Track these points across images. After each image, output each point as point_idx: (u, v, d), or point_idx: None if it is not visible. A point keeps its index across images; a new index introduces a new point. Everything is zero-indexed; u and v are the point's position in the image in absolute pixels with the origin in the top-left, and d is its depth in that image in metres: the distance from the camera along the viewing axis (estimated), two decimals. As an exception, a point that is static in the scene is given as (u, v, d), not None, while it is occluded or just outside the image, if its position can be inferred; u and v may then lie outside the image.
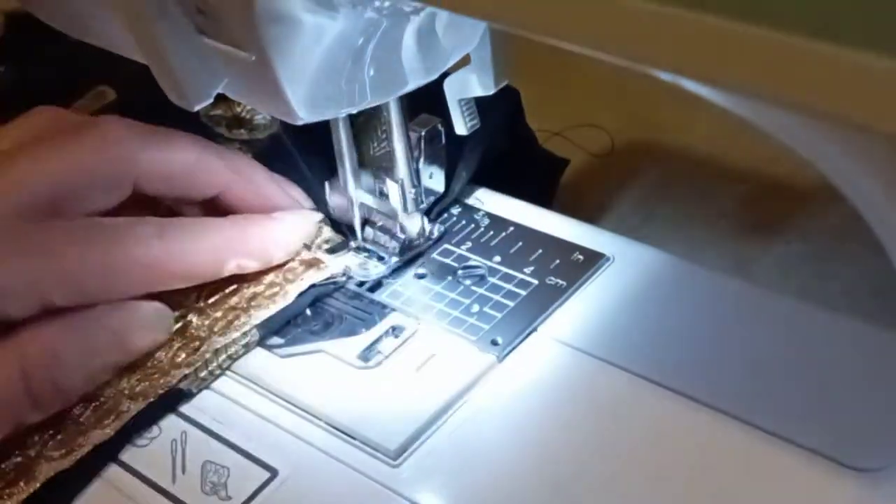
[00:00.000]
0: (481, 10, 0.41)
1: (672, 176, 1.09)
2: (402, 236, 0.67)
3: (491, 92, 0.60)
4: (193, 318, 0.64)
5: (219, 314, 0.64)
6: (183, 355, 0.61)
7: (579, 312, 0.63)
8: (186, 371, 0.61)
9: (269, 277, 0.66)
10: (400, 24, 0.53)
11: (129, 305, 0.59)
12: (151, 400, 0.59)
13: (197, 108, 0.51)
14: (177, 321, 0.64)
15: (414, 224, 0.66)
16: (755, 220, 0.99)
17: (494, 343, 0.61)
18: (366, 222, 0.68)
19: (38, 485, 0.56)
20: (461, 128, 0.63)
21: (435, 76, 0.59)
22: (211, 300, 0.65)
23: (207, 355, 0.61)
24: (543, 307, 0.63)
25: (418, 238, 0.67)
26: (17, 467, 0.57)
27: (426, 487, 0.55)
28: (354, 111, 0.58)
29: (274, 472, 0.57)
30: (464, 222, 0.70)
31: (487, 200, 0.72)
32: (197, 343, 0.62)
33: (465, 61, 0.60)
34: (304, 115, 0.51)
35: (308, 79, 0.50)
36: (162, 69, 0.50)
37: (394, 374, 0.61)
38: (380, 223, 0.67)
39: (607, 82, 1.08)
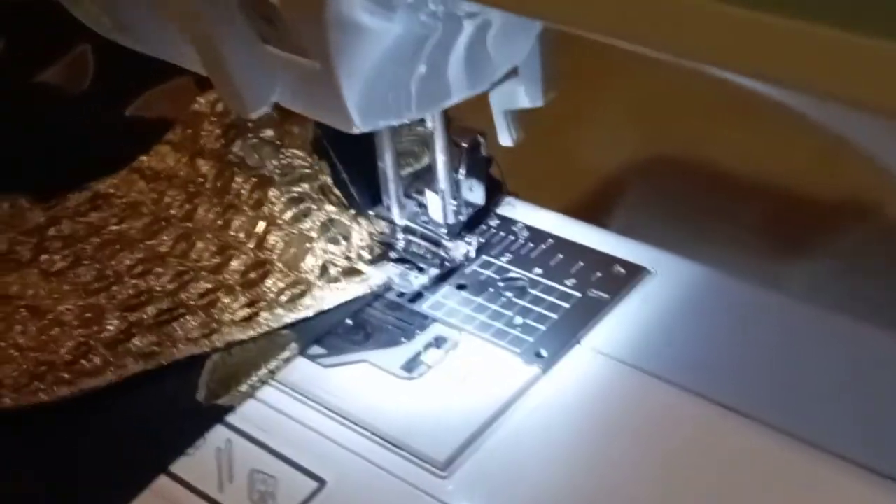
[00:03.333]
0: (536, 10, 0.41)
1: (694, 191, 1.09)
2: (446, 256, 0.67)
3: (539, 104, 0.60)
4: (222, 296, 0.65)
5: (244, 300, 0.64)
6: (196, 333, 0.63)
7: (623, 325, 0.63)
8: (194, 351, 0.62)
9: (308, 263, 0.66)
10: (453, 34, 0.53)
11: None
12: (145, 368, 0.61)
13: (254, 115, 0.51)
14: (205, 294, 0.65)
15: (459, 249, 0.66)
16: (781, 236, 0.99)
17: (538, 355, 0.61)
18: (409, 243, 0.68)
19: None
20: (506, 139, 0.63)
21: (479, 91, 0.59)
22: (245, 278, 0.66)
23: (218, 344, 0.62)
24: (586, 319, 0.63)
25: (463, 260, 0.67)
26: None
27: (475, 498, 0.55)
28: (402, 122, 0.58)
29: (322, 482, 0.57)
30: (502, 234, 0.70)
31: (524, 212, 0.72)
32: (214, 325, 0.63)
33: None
34: (359, 124, 0.51)
35: (366, 87, 0.50)
36: (222, 77, 0.50)
37: (438, 384, 0.61)
38: (422, 241, 0.67)
39: (631, 97, 1.08)
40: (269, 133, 0.71)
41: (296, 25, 0.45)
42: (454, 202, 0.67)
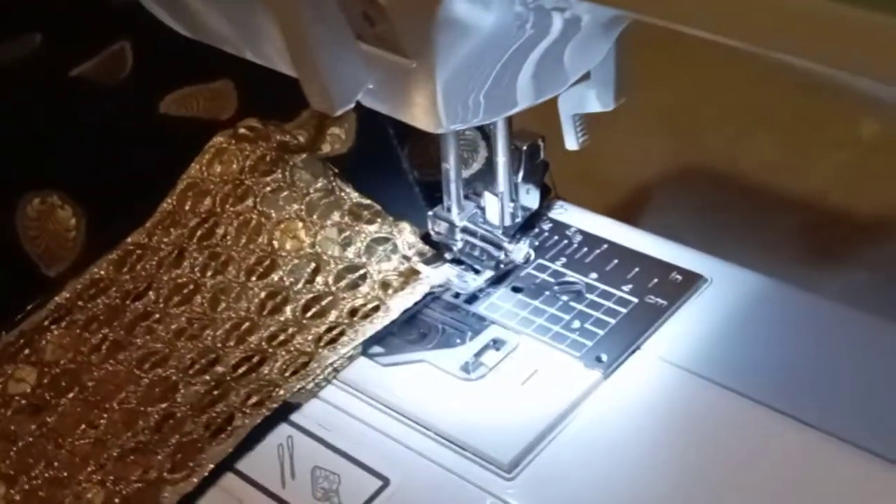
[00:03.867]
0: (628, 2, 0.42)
1: (726, 202, 1.09)
2: (505, 258, 0.66)
3: (610, 108, 0.60)
4: (295, 333, 0.63)
5: (321, 329, 0.64)
6: (292, 369, 0.61)
7: (683, 332, 0.63)
8: (300, 384, 0.60)
9: (365, 289, 0.66)
10: (538, 35, 0.52)
11: None
12: (267, 414, 0.59)
13: (339, 112, 0.51)
14: (274, 336, 0.64)
15: (519, 251, 0.66)
16: (815, 247, 0.99)
17: (598, 360, 0.61)
18: (467, 244, 0.68)
19: None
20: (573, 143, 0.63)
21: (541, 100, 0.58)
22: (309, 314, 0.65)
23: (318, 371, 0.61)
24: (646, 325, 0.63)
25: (522, 262, 0.67)
26: (139, 493, 0.56)
27: (540, 501, 0.55)
28: (468, 126, 0.58)
29: (386, 481, 0.56)
30: (556, 238, 0.70)
31: (575, 217, 0.73)
32: (305, 358, 0.62)
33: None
34: (445, 125, 0.51)
35: (454, 87, 0.50)
36: (310, 73, 0.49)
37: (499, 386, 0.61)
38: (481, 242, 0.67)
39: (662, 107, 1.08)
40: (277, 176, 0.69)
41: (402, 23, 0.45)
42: (512, 205, 0.67)
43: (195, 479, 0.57)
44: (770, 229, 1.01)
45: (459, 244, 0.67)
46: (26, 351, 0.65)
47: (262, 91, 0.75)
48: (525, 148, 0.66)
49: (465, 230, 0.67)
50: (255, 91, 0.76)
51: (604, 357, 0.61)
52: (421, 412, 0.60)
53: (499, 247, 0.66)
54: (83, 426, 0.61)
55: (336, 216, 0.68)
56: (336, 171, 0.71)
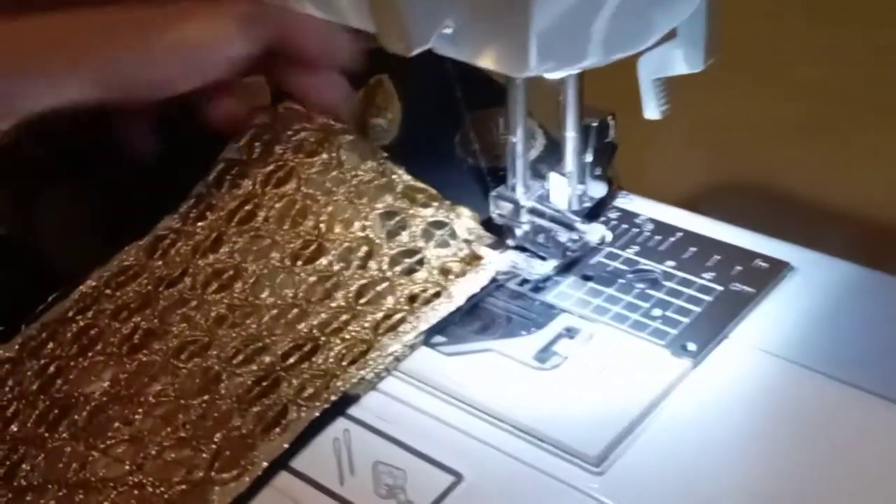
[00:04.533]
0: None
1: (770, 217, 1.05)
2: (575, 242, 0.61)
3: (699, 69, 0.55)
4: (349, 321, 0.58)
5: (378, 316, 0.58)
6: (350, 358, 0.56)
7: (774, 319, 0.58)
8: (360, 374, 0.55)
9: (423, 275, 0.60)
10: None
11: None
12: (326, 406, 0.53)
13: (415, 52, 0.46)
14: (327, 324, 0.58)
15: (595, 233, 0.60)
16: (864, 261, 0.95)
17: (685, 348, 0.56)
18: (533, 228, 0.62)
19: None
20: (652, 111, 0.58)
21: (612, 59, 0.53)
22: (363, 300, 0.59)
23: (379, 360, 0.55)
24: (734, 313, 0.58)
25: (598, 244, 0.61)
26: (183, 495, 0.50)
27: (631, 495, 0.49)
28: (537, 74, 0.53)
29: (458, 477, 0.50)
30: (625, 226, 0.65)
31: (643, 206, 0.67)
32: (364, 346, 0.56)
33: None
34: (533, 64, 0.45)
35: (548, 17, 0.44)
36: (387, 8, 0.44)
37: (576, 376, 0.55)
38: (551, 223, 0.61)
39: (694, 122, 1.04)
40: (323, 157, 0.64)
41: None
42: (580, 187, 0.62)
43: (247, 479, 0.51)
44: (816, 243, 0.97)
45: (525, 226, 0.61)
46: (50, 345, 0.59)
47: None
48: (595, 125, 0.61)
49: (532, 211, 0.61)
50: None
51: (691, 346, 0.56)
52: (492, 403, 0.54)
53: (570, 227, 0.60)
54: (116, 423, 0.55)
55: (388, 199, 0.63)
56: (386, 154, 0.65)
